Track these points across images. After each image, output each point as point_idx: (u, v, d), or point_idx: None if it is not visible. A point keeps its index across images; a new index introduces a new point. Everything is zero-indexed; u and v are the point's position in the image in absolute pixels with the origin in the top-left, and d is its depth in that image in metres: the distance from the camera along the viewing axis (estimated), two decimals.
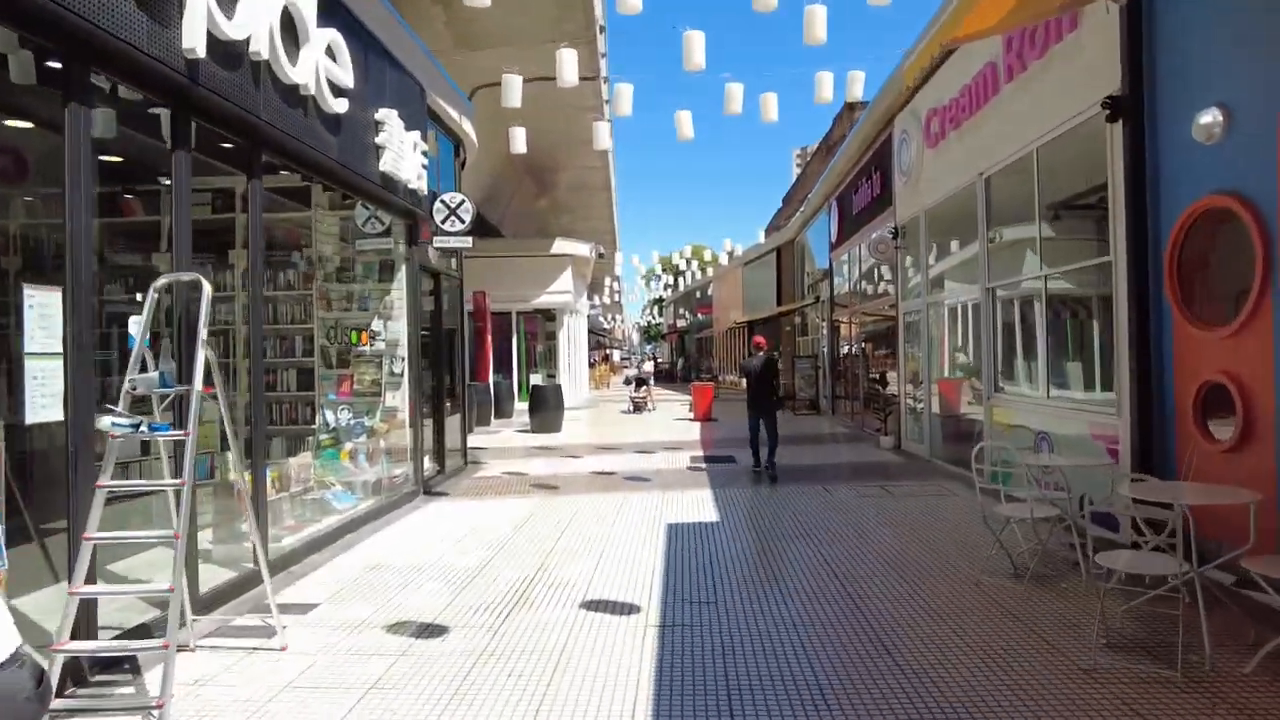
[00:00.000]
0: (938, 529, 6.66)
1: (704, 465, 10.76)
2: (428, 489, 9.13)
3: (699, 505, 7.94)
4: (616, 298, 44.73)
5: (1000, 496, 5.57)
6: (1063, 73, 6.69)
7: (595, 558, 5.99)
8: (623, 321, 75.73)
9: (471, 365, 19.83)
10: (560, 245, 22.36)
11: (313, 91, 6.06)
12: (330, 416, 8.44)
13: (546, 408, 15.47)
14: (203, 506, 5.71)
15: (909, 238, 11.51)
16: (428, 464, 9.45)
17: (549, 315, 23.45)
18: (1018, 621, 4.41)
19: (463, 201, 9.12)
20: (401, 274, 8.85)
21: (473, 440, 13.92)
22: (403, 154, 8.02)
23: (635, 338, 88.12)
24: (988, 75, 8.06)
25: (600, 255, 23.51)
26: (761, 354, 10.51)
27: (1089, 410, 6.48)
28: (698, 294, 44.22)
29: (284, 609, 4.95)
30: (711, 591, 5.09)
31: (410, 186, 8.35)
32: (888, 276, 13.14)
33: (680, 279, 42.36)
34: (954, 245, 10.19)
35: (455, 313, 10.98)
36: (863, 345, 15.31)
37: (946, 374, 10.53)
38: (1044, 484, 5.79)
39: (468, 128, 11.05)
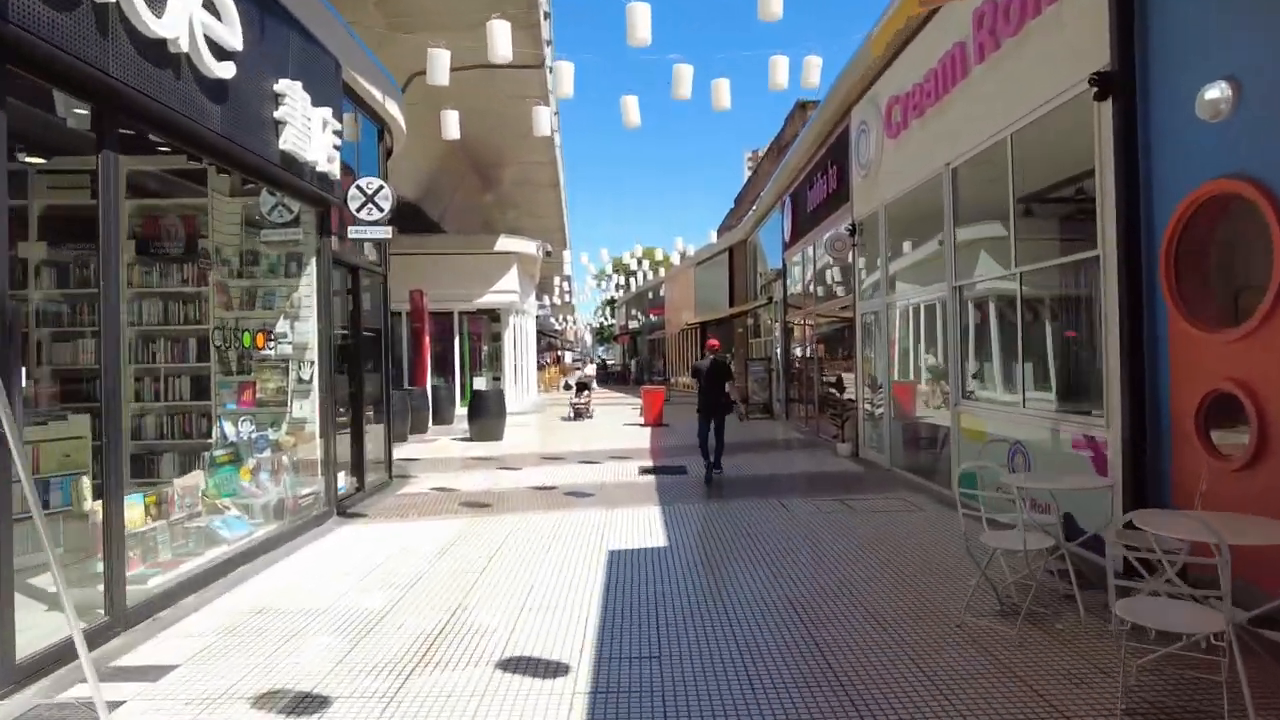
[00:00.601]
0: (908, 553, 6.00)
1: (653, 476, 9.99)
2: (343, 510, 8.17)
3: (645, 525, 7.16)
4: (567, 298, 43.78)
5: (980, 518, 4.90)
6: (1042, 49, 6.09)
7: (522, 596, 5.16)
8: (575, 322, 74.73)
9: (409, 369, 18.81)
10: (505, 243, 21.41)
11: (185, 49, 5.12)
12: (229, 429, 7.45)
13: (487, 414, 14.54)
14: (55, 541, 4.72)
15: (867, 235, 10.93)
16: (343, 481, 8.49)
17: (494, 315, 22.47)
18: (1016, 680, 3.72)
19: (381, 188, 8.19)
20: (311, 268, 7.88)
21: (405, 451, 12.95)
22: (309, 132, 7.07)
23: (588, 339, 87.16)
24: (956, 56, 7.46)
25: (548, 253, 22.63)
26: (713, 356, 10.28)
27: (1072, 420, 5.89)
28: (650, 295, 43.56)
29: (130, 674, 4.03)
30: (655, 643, 4.30)
31: (319, 170, 7.40)
32: (842, 277, 12.58)
33: (631, 280, 41.62)
34: (916, 242, 9.62)
35: (380, 311, 10.02)
36: (817, 347, 14.76)
37: (911, 378, 9.95)
38: (1031, 505, 5.16)
39: (394, 111, 10.10)
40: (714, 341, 10.33)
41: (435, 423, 17.81)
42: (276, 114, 6.57)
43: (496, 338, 22.61)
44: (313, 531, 7.37)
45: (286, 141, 6.66)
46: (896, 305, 10.00)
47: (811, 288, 14.68)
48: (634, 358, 47.52)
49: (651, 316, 42.92)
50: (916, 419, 9.66)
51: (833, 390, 12.34)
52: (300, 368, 7.96)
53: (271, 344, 7.53)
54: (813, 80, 9.89)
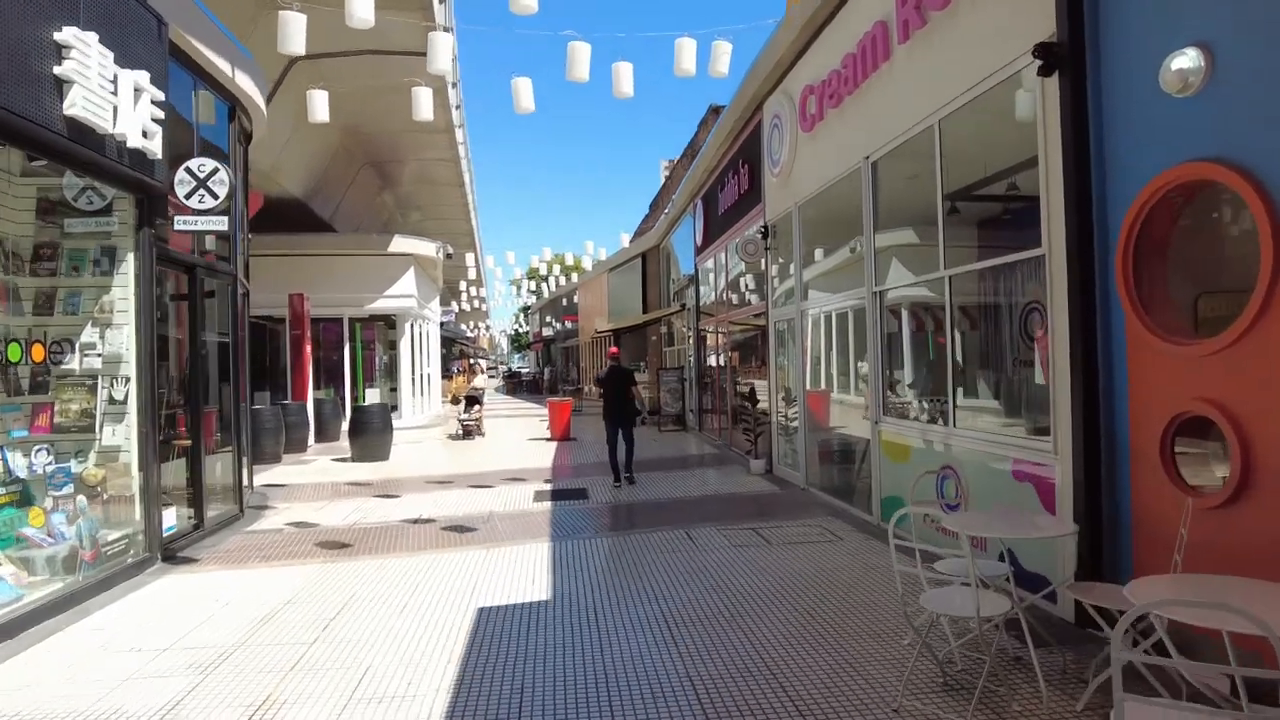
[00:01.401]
0: (832, 602, 5.15)
1: (549, 503, 8.93)
2: (170, 554, 6.80)
3: (528, 570, 6.11)
4: (479, 304, 42.10)
5: (912, 553, 4.07)
6: (976, 21, 5.39)
7: (353, 681, 4.03)
8: (489, 329, 72.64)
9: (289, 381, 17.14)
10: (401, 243, 19.94)
11: None
12: (16, 462, 6.01)
13: (369, 432, 13.14)
14: None
15: (780, 237, 10.21)
16: (174, 518, 7.11)
17: (391, 322, 20.94)
18: None
19: (216, 171, 6.87)
20: (128, 265, 6.52)
21: (274, 475, 11.48)
22: (112, 98, 5.74)
23: (505, 346, 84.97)
24: (877, 37, 6.74)
25: (448, 255, 21.24)
26: (614, 363, 10.55)
27: (1012, 445, 5.17)
28: (564, 301, 42.38)
29: None
30: None
31: (132, 146, 6.06)
32: (755, 283, 11.86)
33: (544, 285, 40.36)
34: (833, 245, 8.92)
35: (230, 318, 8.62)
36: (731, 357, 14.02)
37: (824, 387, 9.24)
38: (974, 542, 4.37)
39: (248, 87, 8.73)
40: (614, 349, 10.23)
41: (319, 440, 16.24)
42: (58, 70, 5.23)
43: (394, 345, 21.08)
44: (123, 585, 6.01)
45: (74, 105, 5.32)
46: (811, 312, 9.28)
47: (725, 294, 13.93)
48: (548, 366, 46.20)
49: (566, 324, 41.75)
50: (833, 433, 8.96)
51: (745, 402, 11.57)
52: (113, 385, 6.57)
53: (63, 356, 6.13)
54: (721, 68, 9.08)
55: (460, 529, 7.68)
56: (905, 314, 7.51)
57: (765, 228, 10.44)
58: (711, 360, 16.06)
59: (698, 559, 6.26)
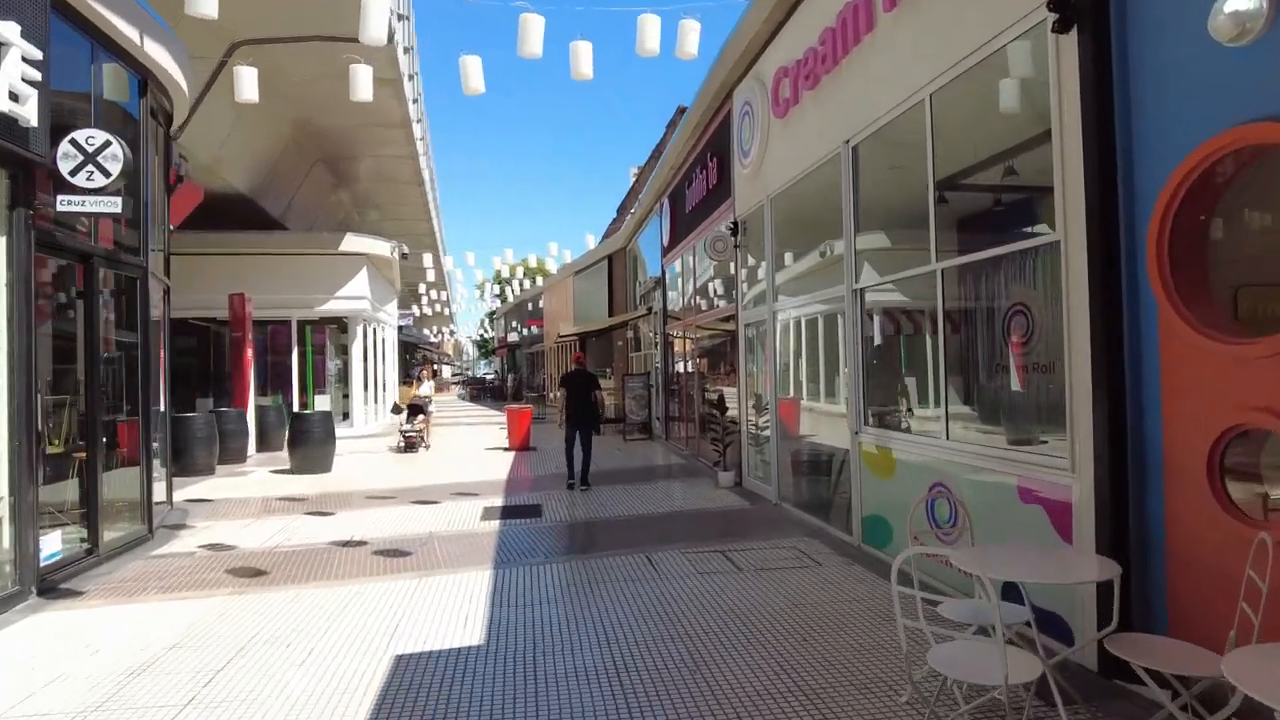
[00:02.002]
0: (810, 644, 4.43)
1: (498, 522, 8.11)
2: (50, 586, 5.88)
3: (464, 605, 5.31)
4: (440, 308, 40.99)
5: (895, 572, 3.36)
6: None
7: None
8: (453, 334, 71.29)
9: (228, 387, 16.08)
10: (353, 242, 18.99)
11: None
12: None
13: (310, 441, 12.19)
14: None
15: (751, 234, 9.54)
16: (59, 543, 6.18)
17: (345, 325, 19.96)
18: None
19: (108, 144, 5.97)
20: None
21: (203, 488, 10.53)
22: None
23: (472, 352, 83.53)
24: (859, 6, 6.09)
25: (404, 255, 20.31)
26: (579, 368, 10.64)
27: (1018, 461, 4.50)
28: (529, 305, 41.45)
29: None
30: None
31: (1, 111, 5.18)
32: (724, 284, 11.18)
33: (507, 288, 39.42)
34: (808, 242, 8.26)
35: (140, 316, 7.69)
36: (699, 362, 13.31)
37: (799, 395, 8.57)
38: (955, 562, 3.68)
39: (163, 58, 7.81)
40: (579, 354, 10.81)
41: (261, 449, 15.22)
42: None
43: (347, 350, 20.08)
44: None
45: None
46: (783, 314, 8.61)
47: (693, 298, 13.23)
48: (512, 371, 45.18)
49: (532, 329, 40.82)
50: (807, 444, 8.28)
51: (713, 410, 10.85)
52: None
53: None
54: (690, 48, 8.38)
55: (394, 553, 6.84)
56: (888, 315, 6.87)
57: (735, 224, 9.77)
58: (679, 366, 15.36)
59: (659, 590, 5.51)
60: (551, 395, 31.91)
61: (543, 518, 8.27)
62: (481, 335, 73.53)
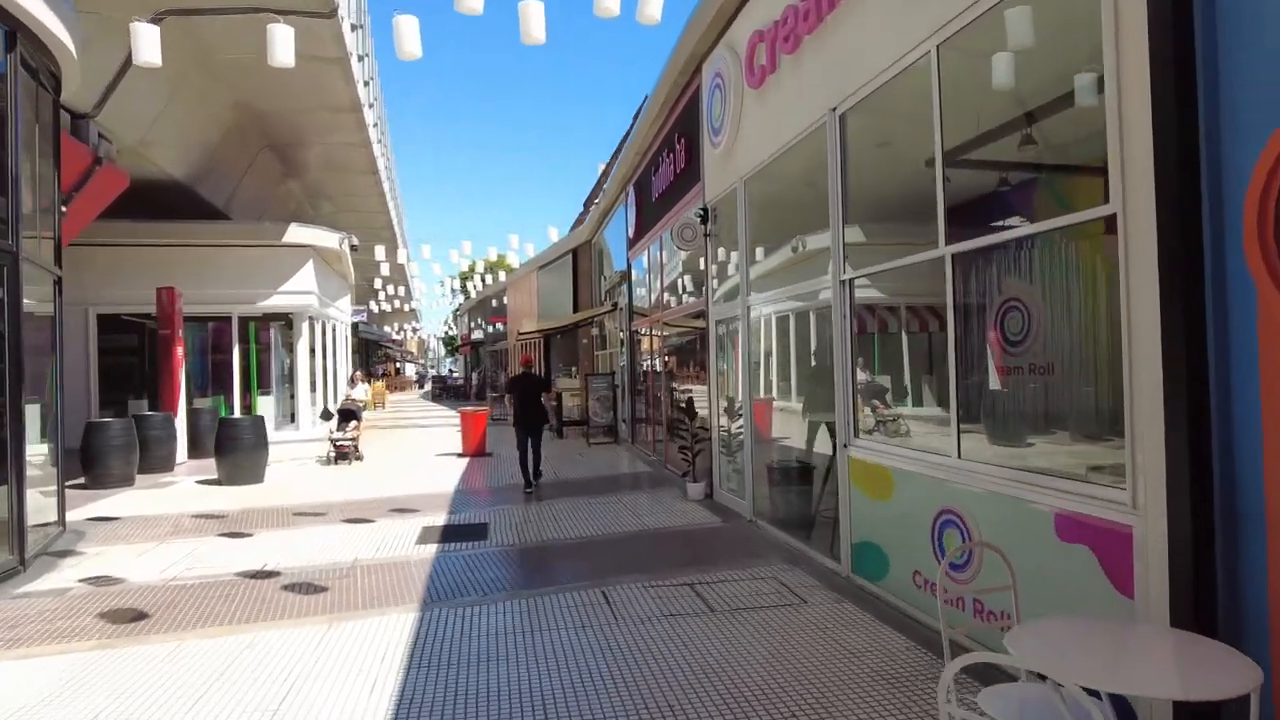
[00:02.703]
0: (805, 715, 3.54)
1: (436, 546, 7.13)
2: None
3: (373, 667, 4.34)
4: (399, 304, 39.58)
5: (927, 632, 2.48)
6: None
7: None
8: (417, 332, 69.60)
9: (157, 388, 14.81)
10: (298, 233, 17.78)
11: None
12: None
13: (239, 449, 11.07)
14: None
15: (722, 221, 8.66)
16: None
17: (290, 322, 18.73)
18: None
19: None
20: None
21: (114, 503, 9.43)
22: None
23: (440, 350, 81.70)
24: None
25: (354, 247, 19.14)
26: (526, 370, 10.63)
27: (1056, 489, 3.64)
28: (493, 302, 40.26)
29: None
30: None
31: None
32: (695, 273, 10.30)
33: (469, 284, 38.20)
34: (787, 229, 7.41)
35: (7, 307, 6.55)
36: (667, 361, 12.41)
37: (775, 396, 7.72)
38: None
39: (37, 9, 6.68)
40: (527, 357, 9.34)
41: (195, 456, 14.01)
42: None
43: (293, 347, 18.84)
44: None
45: None
46: (757, 309, 7.75)
47: (660, 293, 12.33)
48: (475, 370, 43.93)
49: (497, 326, 39.64)
50: (786, 454, 7.43)
51: (682, 415, 9.95)
52: None
53: None
54: (652, 12, 7.46)
55: (308, 588, 5.84)
56: (884, 311, 6.04)
57: (705, 210, 8.88)
58: (646, 365, 14.47)
59: (614, 640, 4.59)
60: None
61: (488, 540, 7.31)
62: (447, 333, 72.01)
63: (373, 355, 53.66)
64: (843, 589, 5.40)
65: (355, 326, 32.37)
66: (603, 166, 32.31)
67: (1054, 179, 4.24)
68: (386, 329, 52.69)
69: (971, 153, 4.62)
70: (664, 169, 11.03)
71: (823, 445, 6.68)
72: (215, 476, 11.35)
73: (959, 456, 4.36)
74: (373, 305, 36.06)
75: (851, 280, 5.72)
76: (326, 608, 5.35)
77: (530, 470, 9.92)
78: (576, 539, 7.31)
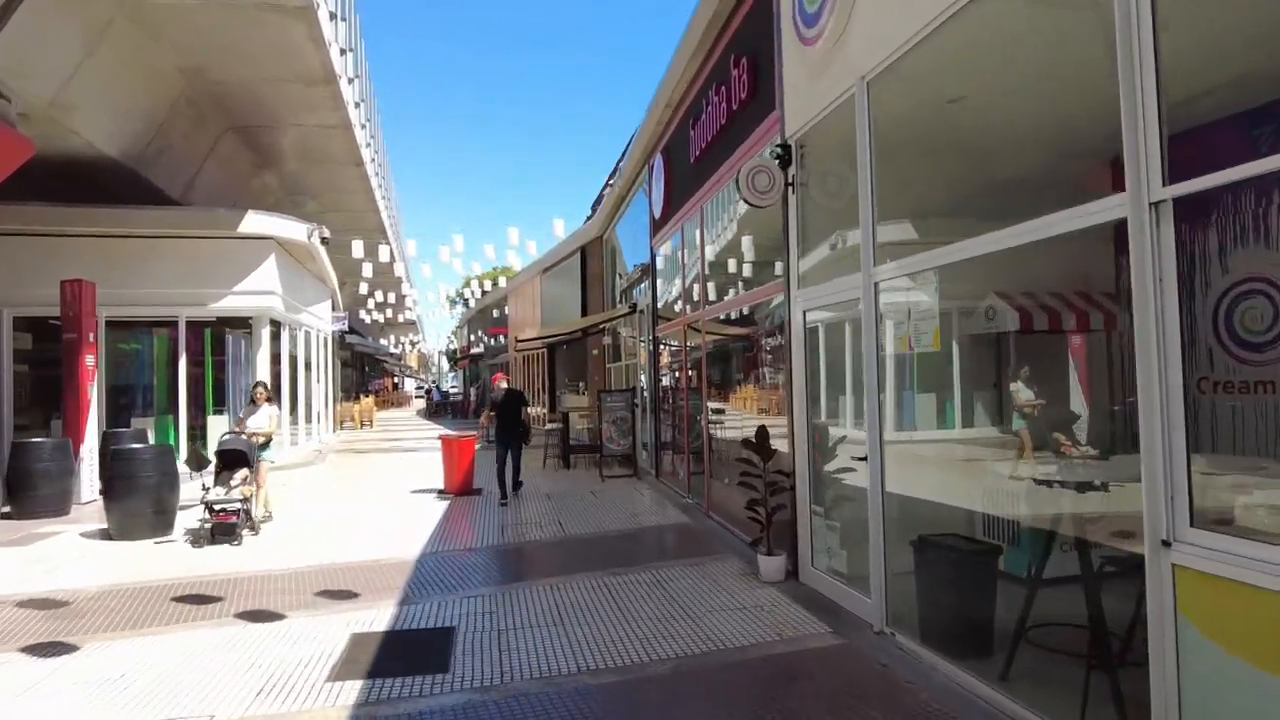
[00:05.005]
0: None
1: (359, 687, 4.18)
2: None
3: None
4: (391, 313, 36.73)
5: None
6: None
7: None
8: (415, 344, 66.66)
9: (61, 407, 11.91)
10: (256, 222, 14.95)
11: None
12: None
13: (134, 491, 8.12)
14: None
15: (818, 158, 5.78)
16: None
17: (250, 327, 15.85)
18: None
19: None
20: None
21: None
22: None
23: (444, 365, 78.64)
24: None
25: (324, 240, 16.30)
26: (506, 387, 11.01)
27: None
28: (494, 312, 37.39)
29: None
30: None
31: None
32: (755, 252, 7.41)
33: (470, 287, 35.33)
34: (946, 155, 4.52)
35: None
36: (693, 374, 9.42)
37: (941, 428, 4.80)
38: None
39: None
40: (499, 374, 11.80)
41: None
42: None
43: (275, 360, 15.92)
44: None
45: None
46: (891, 286, 4.83)
47: (697, 287, 9.39)
48: (475, 385, 40.97)
49: (499, 338, 36.74)
50: (943, 515, 4.51)
51: (754, 453, 6.72)
52: None
53: None
54: None
55: None
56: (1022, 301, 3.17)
57: (783, 147, 5.97)
58: (675, 379, 11.58)
59: None
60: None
61: (450, 674, 4.32)
62: (449, 346, 69.16)
63: (370, 370, 50.83)
64: None
65: (342, 338, 29.52)
66: (607, 178, 29.55)
67: None
68: (383, 342, 49.84)
69: None
70: (710, 114, 8.13)
71: (1031, 506, 3.81)
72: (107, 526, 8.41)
73: None
74: (363, 315, 33.22)
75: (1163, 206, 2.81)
76: None
77: (509, 482, 10.34)
78: (594, 670, 4.35)
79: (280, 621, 5.27)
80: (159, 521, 8.24)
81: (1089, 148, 3.65)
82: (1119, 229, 2.97)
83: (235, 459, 8.16)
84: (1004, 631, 3.98)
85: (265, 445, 8.84)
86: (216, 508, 7.79)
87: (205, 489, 7.95)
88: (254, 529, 8.30)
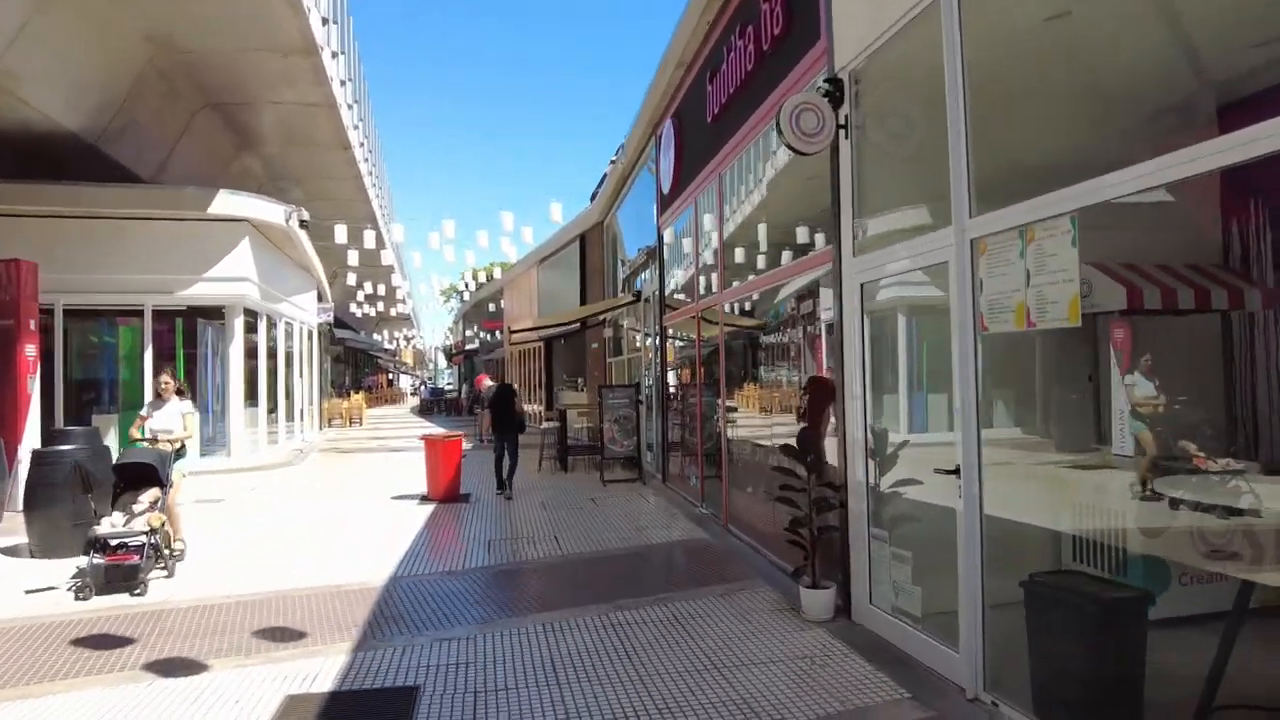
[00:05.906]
0: None
1: None
2: None
3: None
4: (383, 306, 35.53)
5: None
6: None
7: None
8: (410, 340, 65.33)
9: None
10: (228, 202, 13.74)
11: None
12: None
13: (55, 502, 6.99)
14: None
15: (875, 92, 4.64)
16: None
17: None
18: None
19: None
20: None
21: None
22: None
23: (441, 361, 77.30)
24: None
25: (303, 223, 15.10)
26: (496, 385, 12.03)
27: None
28: (489, 306, 36.18)
29: None
30: None
31: None
32: (792, 219, 6.27)
33: (464, 278, 34.12)
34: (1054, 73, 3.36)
35: None
36: (715, 367, 8.26)
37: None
38: None
39: None
40: (483, 376, 12.60)
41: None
42: None
43: (251, 353, 14.73)
44: None
45: None
46: (1000, 237, 3.68)
47: (713, 268, 8.22)
48: (466, 385, 39.72)
49: (494, 333, 35.54)
50: (1057, 548, 3.37)
51: (797, 464, 5.42)
52: None
53: None
54: None
55: None
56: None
57: (833, 81, 4.81)
58: (682, 375, 10.40)
59: None
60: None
61: None
62: (445, 342, 67.88)
63: (363, 366, 49.58)
64: None
65: (331, 332, 28.33)
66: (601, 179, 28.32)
67: None
68: (377, 337, 48.61)
69: None
70: (733, 62, 6.96)
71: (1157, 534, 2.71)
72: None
73: None
74: (353, 308, 32.02)
75: None
76: None
77: (505, 473, 10.40)
78: None
79: (199, 676, 4.11)
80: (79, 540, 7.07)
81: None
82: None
83: (141, 475, 6.25)
84: (1160, 707, 2.86)
85: (179, 453, 6.80)
86: (113, 543, 5.76)
87: (96, 517, 6.00)
88: (167, 569, 6.23)
